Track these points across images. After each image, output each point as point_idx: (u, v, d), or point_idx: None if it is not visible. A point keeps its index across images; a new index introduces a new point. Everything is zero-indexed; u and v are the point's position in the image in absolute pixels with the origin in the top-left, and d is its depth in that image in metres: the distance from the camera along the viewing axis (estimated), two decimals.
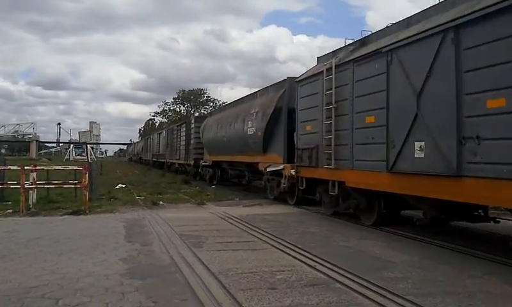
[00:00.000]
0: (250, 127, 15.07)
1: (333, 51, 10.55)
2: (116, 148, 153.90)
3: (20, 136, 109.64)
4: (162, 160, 37.09)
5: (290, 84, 12.77)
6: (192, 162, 24.42)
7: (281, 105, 13.21)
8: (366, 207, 9.27)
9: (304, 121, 11.36)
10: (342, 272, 5.55)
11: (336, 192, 9.82)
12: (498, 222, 7.83)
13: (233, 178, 20.55)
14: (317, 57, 11.63)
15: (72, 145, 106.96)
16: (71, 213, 10.87)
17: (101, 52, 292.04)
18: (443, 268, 5.84)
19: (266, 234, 8.24)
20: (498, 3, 5.67)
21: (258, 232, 8.48)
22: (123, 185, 19.79)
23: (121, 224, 9.39)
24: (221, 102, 68.44)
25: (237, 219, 10.13)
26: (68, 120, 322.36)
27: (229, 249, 6.97)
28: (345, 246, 7.33)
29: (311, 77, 11.05)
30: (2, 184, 12.64)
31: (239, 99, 19.34)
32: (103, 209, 11.74)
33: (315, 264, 5.96)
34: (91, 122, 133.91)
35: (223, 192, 16.96)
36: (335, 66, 9.67)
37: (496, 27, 5.77)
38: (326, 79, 9.96)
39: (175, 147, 30.43)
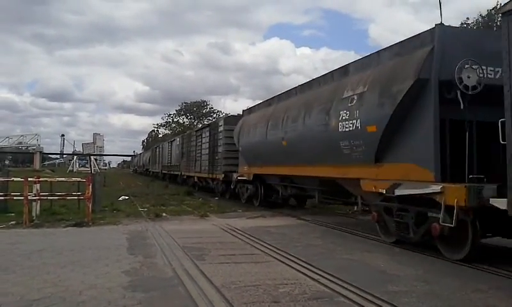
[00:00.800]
0: (346, 120, 9.16)
1: None
2: (120, 159, 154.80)
3: (24, 147, 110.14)
4: (176, 173, 31.32)
5: (443, 37, 7.35)
6: (221, 176, 18.60)
7: (427, 75, 7.30)
8: None
9: None
10: (345, 285, 5.50)
11: None
12: None
13: (287, 198, 15.27)
14: None
15: (75, 157, 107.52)
16: (74, 225, 10.87)
17: (105, 64, 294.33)
18: (448, 281, 5.78)
19: (269, 246, 8.21)
20: None
21: (261, 244, 8.44)
22: (126, 197, 19.80)
23: (124, 236, 9.38)
24: (224, 114, 68.60)
25: (240, 231, 10.10)
26: (72, 132, 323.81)
27: (232, 261, 6.94)
28: (349, 259, 7.29)
29: None
30: (5, 195, 12.67)
31: (306, 83, 12.78)
32: (106, 221, 11.74)
33: (319, 277, 5.92)
34: (94, 134, 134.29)
35: (227, 204, 16.89)
36: None
37: None
38: None
39: (193, 157, 24.90)
